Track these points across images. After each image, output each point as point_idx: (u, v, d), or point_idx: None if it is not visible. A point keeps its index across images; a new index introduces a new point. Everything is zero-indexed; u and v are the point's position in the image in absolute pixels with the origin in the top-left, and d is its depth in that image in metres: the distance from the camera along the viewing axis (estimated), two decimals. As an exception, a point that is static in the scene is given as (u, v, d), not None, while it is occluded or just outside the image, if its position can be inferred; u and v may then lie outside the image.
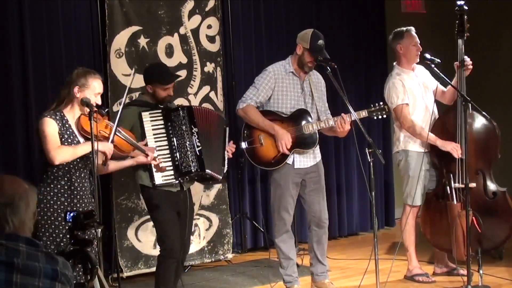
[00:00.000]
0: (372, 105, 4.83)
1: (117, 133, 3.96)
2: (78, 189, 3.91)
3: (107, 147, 3.86)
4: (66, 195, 3.87)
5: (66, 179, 3.87)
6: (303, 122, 4.78)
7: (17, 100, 5.16)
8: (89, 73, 3.94)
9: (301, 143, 4.78)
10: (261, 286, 5.34)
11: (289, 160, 4.78)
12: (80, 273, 3.40)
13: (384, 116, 4.87)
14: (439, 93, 5.12)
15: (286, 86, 4.83)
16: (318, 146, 4.93)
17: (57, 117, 3.87)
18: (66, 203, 3.87)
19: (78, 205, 3.90)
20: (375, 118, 4.88)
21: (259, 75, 4.93)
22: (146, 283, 5.28)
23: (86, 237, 3.35)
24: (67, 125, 3.89)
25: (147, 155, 4.14)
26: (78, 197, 3.91)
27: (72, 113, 3.93)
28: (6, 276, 2.22)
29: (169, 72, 4.62)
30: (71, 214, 3.04)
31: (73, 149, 3.84)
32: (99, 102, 3.94)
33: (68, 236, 3.80)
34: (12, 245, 2.27)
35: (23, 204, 2.36)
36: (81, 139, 3.93)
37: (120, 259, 5.46)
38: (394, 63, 5.24)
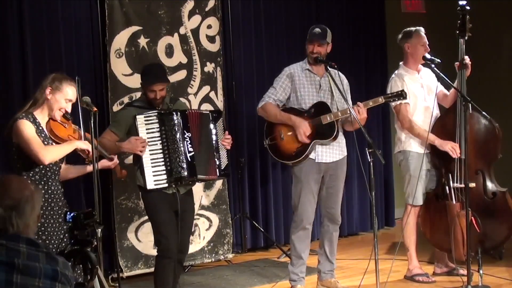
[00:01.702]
0: (388, 92, 4.84)
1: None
2: (55, 192, 3.91)
3: (88, 145, 3.84)
4: (44, 199, 3.84)
5: (43, 183, 3.86)
6: (322, 115, 4.79)
7: (17, 100, 5.15)
8: (66, 79, 3.92)
9: (320, 134, 4.79)
10: (261, 286, 5.34)
11: (312, 155, 4.80)
12: (78, 272, 3.40)
13: (402, 101, 4.87)
14: (440, 95, 5.13)
15: (303, 83, 4.88)
16: (342, 143, 4.96)
17: (31, 119, 3.86)
18: (44, 208, 3.83)
19: (56, 208, 3.89)
20: (393, 104, 4.97)
21: (278, 75, 4.99)
22: (146, 283, 5.28)
23: (88, 237, 3.35)
24: (40, 128, 3.88)
25: (111, 160, 4.14)
26: (56, 200, 3.90)
27: (41, 116, 3.91)
28: (6, 277, 2.23)
29: (154, 74, 4.41)
30: (71, 214, 3.04)
31: (59, 148, 3.84)
32: (69, 110, 3.91)
33: (59, 236, 3.85)
34: (13, 246, 2.27)
35: (28, 207, 2.36)
36: (53, 144, 3.92)
37: (120, 259, 5.46)
38: (400, 63, 5.24)
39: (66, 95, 3.88)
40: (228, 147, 4.58)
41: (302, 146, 4.80)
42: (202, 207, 5.89)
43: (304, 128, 4.75)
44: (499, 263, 5.52)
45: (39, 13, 5.28)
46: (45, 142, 3.85)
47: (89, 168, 4.07)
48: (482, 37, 6.85)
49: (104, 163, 4.15)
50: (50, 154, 3.78)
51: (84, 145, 3.86)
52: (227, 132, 4.64)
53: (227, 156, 4.57)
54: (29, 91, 5.16)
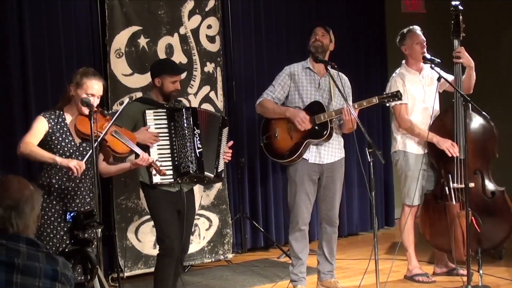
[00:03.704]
0: (384, 93, 4.81)
1: (113, 134, 3.96)
2: (70, 188, 3.92)
3: (71, 163, 3.77)
4: (55, 194, 3.89)
5: (57, 177, 3.90)
6: (316, 114, 4.79)
7: (17, 100, 5.16)
8: (87, 73, 3.95)
9: (313, 133, 4.80)
10: (261, 286, 5.34)
11: (306, 156, 4.82)
12: (79, 272, 3.40)
13: (397, 102, 4.84)
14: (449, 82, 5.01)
15: (302, 81, 4.90)
16: (340, 144, 4.97)
17: (52, 116, 3.90)
18: (55, 202, 3.88)
19: (68, 205, 3.91)
20: (387, 105, 4.91)
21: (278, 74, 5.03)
22: (146, 283, 5.28)
23: (87, 235, 3.35)
24: (62, 124, 3.91)
25: (140, 154, 4.11)
26: (69, 196, 3.91)
27: (70, 112, 3.97)
28: (6, 277, 2.23)
29: (176, 65, 4.68)
30: (71, 214, 3.05)
31: (37, 151, 3.81)
32: (94, 103, 3.91)
33: (57, 236, 3.85)
34: (13, 246, 2.27)
35: (28, 207, 2.37)
36: (77, 140, 3.94)
37: (120, 259, 5.46)
38: (403, 61, 5.23)
39: (86, 89, 3.90)
40: (227, 160, 4.61)
41: (295, 145, 4.81)
42: (202, 207, 5.89)
43: (302, 116, 4.75)
44: (499, 263, 5.52)
45: (39, 13, 5.28)
46: (60, 138, 3.89)
47: (128, 164, 4.17)
48: (481, 37, 6.85)
49: (136, 161, 4.12)
50: (24, 147, 3.81)
51: (65, 162, 3.79)
52: (231, 142, 4.64)
53: (224, 163, 4.59)
54: (29, 90, 5.17)
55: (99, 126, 3.88)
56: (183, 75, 5.69)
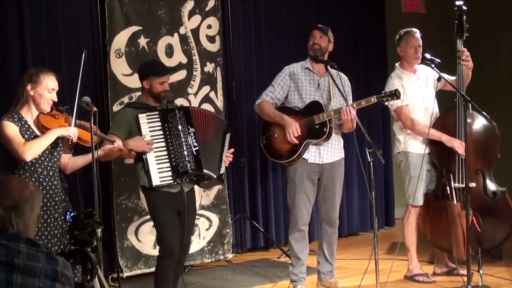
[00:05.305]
0: (382, 92, 4.82)
1: (81, 127, 3.96)
2: (48, 188, 3.92)
3: (70, 131, 3.87)
4: None
5: (33, 179, 3.88)
6: (315, 114, 4.79)
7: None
8: (41, 71, 3.99)
9: (313, 133, 4.79)
10: (261, 286, 5.34)
11: (305, 156, 4.81)
12: (78, 272, 3.40)
13: (396, 100, 4.82)
14: (453, 83, 4.94)
15: (302, 82, 4.90)
16: (339, 144, 4.96)
17: (15, 119, 3.89)
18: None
19: (49, 204, 3.91)
20: (386, 103, 4.89)
21: (278, 73, 5.02)
22: (146, 283, 5.28)
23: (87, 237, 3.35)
24: (26, 126, 3.91)
25: (113, 142, 4.09)
26: (48, 196, 3.91)
27: (29, 113, 3.96)
28: (6, 277, 2.23)
29: (163, 65, 4.71)
30: (71, 214, 3.05)
31: (39, 140, 3.85)
32: (55, 99, 3.96)
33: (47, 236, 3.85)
34: (13, 246, 2.27)
35: (28, 207, 2.37)
36: None
37: (120, 259, 5.46)
38: (396, 64, 5.23)
39: (46, 86, 3.94)
40: (227, 164, 4.63)
41: (295, 145, 4.81)
42: (202, 207, 5.88)
43: (293, 128, 4.75)
44: (499, 263, 5.52)
45: (39, 13, 5.28)
46: (30, 139, 3.88)
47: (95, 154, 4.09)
48: (481, 37, 6.84)
49: (106, 147, 4.11)
50: (30, 149, 3.81)
51: (65, 131, 3.87)
52: (232, 149, 4.65)
53: (225, 167, 4.61)
54: (29, 91, 5.17)
55: (60, 121, 3.93)
56: (182, 75, 5.76)
